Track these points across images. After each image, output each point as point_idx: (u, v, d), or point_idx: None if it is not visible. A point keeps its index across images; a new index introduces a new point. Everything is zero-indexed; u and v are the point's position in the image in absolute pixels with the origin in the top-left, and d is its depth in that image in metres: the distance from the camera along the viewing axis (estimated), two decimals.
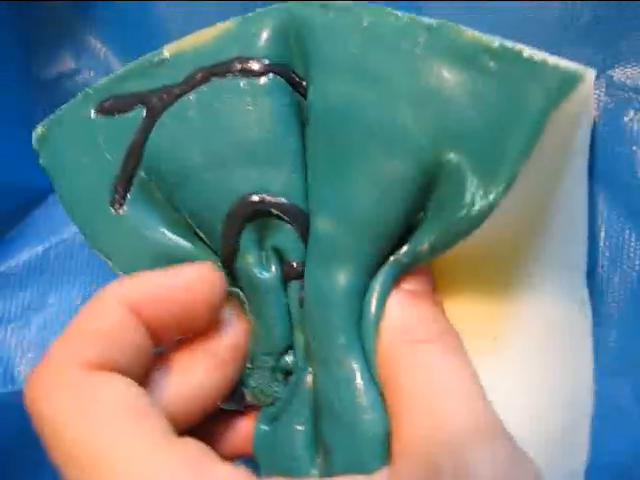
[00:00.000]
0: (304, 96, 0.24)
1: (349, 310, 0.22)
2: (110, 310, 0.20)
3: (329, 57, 0.23)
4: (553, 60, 0.19)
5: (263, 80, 0.24)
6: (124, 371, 0.20)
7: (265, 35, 0.24)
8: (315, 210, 0.23)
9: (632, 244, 0.28)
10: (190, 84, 0.25)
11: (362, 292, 0.22)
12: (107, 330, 0.20)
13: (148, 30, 0.36)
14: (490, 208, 0.20)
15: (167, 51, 0.25)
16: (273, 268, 0.24)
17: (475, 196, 0.20)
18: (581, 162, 0.23)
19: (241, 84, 0.24)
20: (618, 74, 0.28)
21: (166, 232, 0.26)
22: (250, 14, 0.25)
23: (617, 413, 0.27)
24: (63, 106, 0.27)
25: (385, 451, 0.21)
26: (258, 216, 0.24)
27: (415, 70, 0.22)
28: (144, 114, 0.25)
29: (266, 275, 0.24)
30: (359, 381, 0.22)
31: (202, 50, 0.25)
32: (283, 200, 0.24)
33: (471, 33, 0.21)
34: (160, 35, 0.36)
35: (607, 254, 0.29)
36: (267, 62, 0.24)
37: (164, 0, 0.36)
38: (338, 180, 0.22)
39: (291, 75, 0.24)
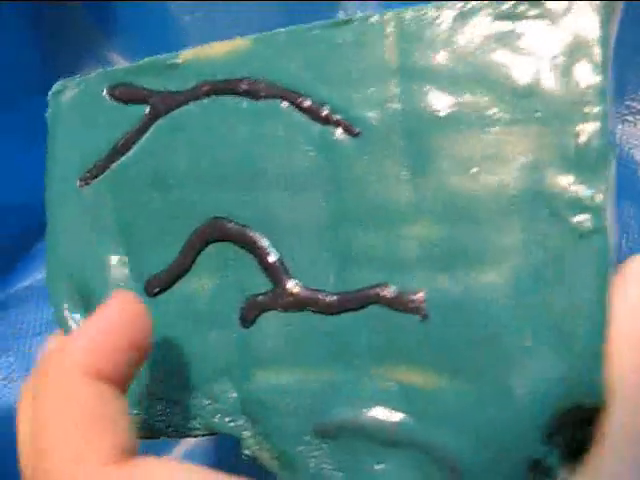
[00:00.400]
0: (317, 120, 0.23)
1: None
2: (81, 388, 0.20)
3: (364, 68, 0.23)
4: None
5: (265, 104, 0.24)
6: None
7: (277, 58, 0.24)
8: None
9: None
10: (194, 94, 0.25)
11: None
12: (88, 411, 0.19)
13: (168, 44, 0.37)
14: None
15: (181, 57, 0.25)
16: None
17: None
18: None
19: (243, 105, 0.24)
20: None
21: (100, 233, 0.26)
22: (265, 34, 0.24)
23: None
24: (83, 76, 0.28)
25: None
26: (222, 240, 0.24)
27: (461, 49, 0.21)
28: (146, 112, 0.26)
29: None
30: None
31: (213, 63, 0.25)
32: (249, 232, 0.24)
33: None
34: (180, 47, 0.37)
35: None
36: (274, 86, 0.24)
37: (185, 12, 0.36)
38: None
39: (299, 100, 0.23)
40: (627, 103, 0.31)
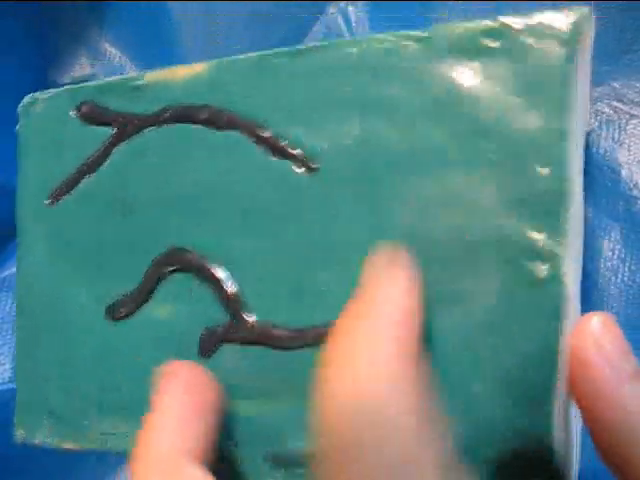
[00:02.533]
0: (275, 153, 0.23)
1: None
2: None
3: (324, 100, 0.22)
4: (550, 15, 0.20)
5: (226, 135, 0.24)
6: None
7: (238, 86, 0.24)
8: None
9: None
10: (157, 120, 0.25)
11: None
12: None
13: (163, 36, 0.36)
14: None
15: (146, 78, 0.25)
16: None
17: None
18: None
19: (203, 134, 0.24)
20: (622, 86, 0.29)
21: (65, 254, 0.26)
22: (229, 59, 0.24)
23: None
24: (51, 90, 0.28)
25: None
26: (182, 270, 0.24)
27: (421, 83, 0.21)
28: (111, 133, 0.26)
29: None
30: None
31: (176, 87, 0.25)
32: (207, 264, 0.24)
33: (462, 25, 0.21)
34: (174, 41, 0.37)
35: (608, 264, 0.29)
36: (234, 117, 0.24)
37: (180, 1, 0.35)
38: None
39: (258, 133, 0.23)
40: (614, 103, 0.30)
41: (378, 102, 0.22)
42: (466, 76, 0.21)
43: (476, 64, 0.21)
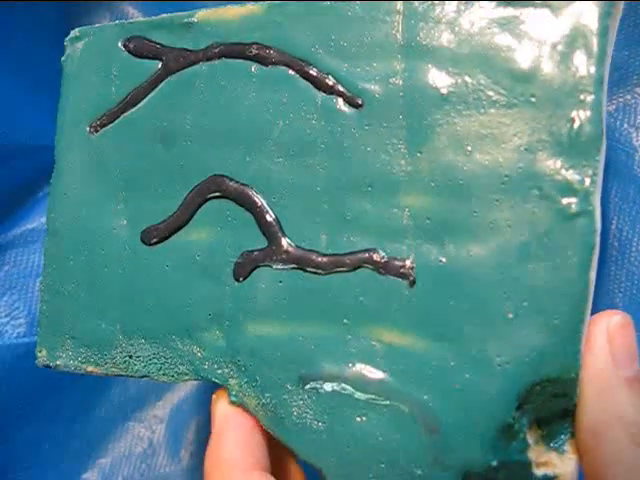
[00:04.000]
0: (322, 89, 0.24)
1: None
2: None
3: (372, 42, 0.23)
4: None
5: (273, 70, 0.25)
6: None
7: (288, 26, 0.25)
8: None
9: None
10: (206, 55, 0.26)
11: None
12: None
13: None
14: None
15: (197, 17, 0.26)
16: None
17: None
18: None
19: (252, 69, 0.25)
20: None
21: (103, 181, 0.27)
22: (278, 1, 0.25)
23: None
24: (101, 25, 0.28)
25: None
26: (222, 197, 0.25)
27: (466, 30, 0.22)
28: (158, 67, 0.26)
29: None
30: None
31: (226, 25, 0.26)
32: (248, 191, 0.24)
33: None
34: (195, 5, 0.38)
35: (615, 244, 0.30)
36: (282, 53, 0.25)
37: None
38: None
39: (306, 70, 0.24)
40: (632, 88, 0.31)
41: (424, 46, 0.23)
42: (508, 24, 0.22)
43: (518, 14, 0.22)
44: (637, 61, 0.31)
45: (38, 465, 0.34)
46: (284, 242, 0.24)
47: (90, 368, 0.26)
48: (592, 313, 0.27)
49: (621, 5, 0.22)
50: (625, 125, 0.31)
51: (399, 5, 0.23)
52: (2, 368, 0.33)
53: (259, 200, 0.24)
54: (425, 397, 0.22)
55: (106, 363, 0.26)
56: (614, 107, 0.31)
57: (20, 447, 0.34)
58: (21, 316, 0.35)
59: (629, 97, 0.31)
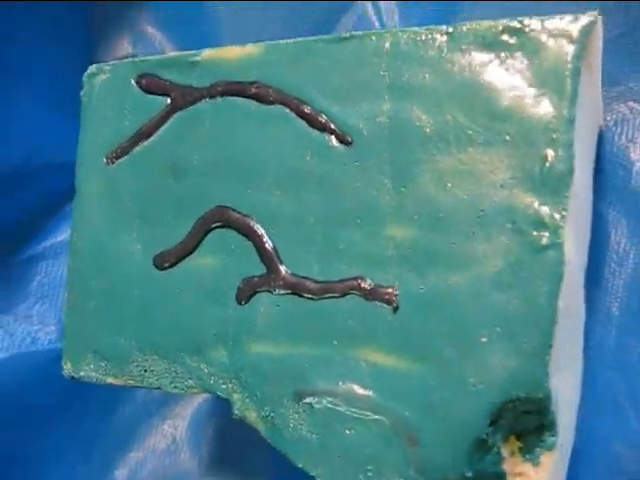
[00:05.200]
0: (315, 127, 0.26)
1: None
2: None
3: (361, 83, 0.25)
4: (563, 19, 0.23)
5: (271, 108, 0.27)
6: None
7: (284, 67, 0.26)
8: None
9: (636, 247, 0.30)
10: (210, 92, 0.28)
11: None
12: None
13: (199, 19, 0.39)
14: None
15: (202, 56, 0.28)
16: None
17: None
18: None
19: (251, 107, 0.27)
20: (639, 87, 0.31)
21: (119, 208, 0.29)
22: (276, 42, 0.27)
23: (612, 406, 0.29)
24: (115, 62, 0.31)
25: None
26: (225, 226, 0.27)
27: (447, 71, 0.24)
28: (168, 103, 0.29)
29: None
30: None
31: (228, 65, 0.28)
32: (250, 221, 0.26)
33: (486, 23, 0.24)
34: (210, 24, 0.39)
35: (613, 256, 0.31)
36: (280, 92, 0.26)
37: None
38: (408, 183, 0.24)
39: (301, 108, 0.26)
40: (630, 103, 0.32)
41: (408, 86, 0.25)
42: (487, 66, 0.24)
43: (495, 56, 0.24)
44: (636, 76, 0.32)
45: (68, 461, 0.37)
46: (281, 269, 0.26)
47: (110, 380, 0.29)
48: (590, 321, 0.29)
49: (597, 41, 0.24)
50: (623, 139, 0.32)
51: (387, 45, 0.25)
52: (37, 371, 0.36)
53: (259, 230, 0.26)
54: (406, 413, 0.24)
55: (124, 375, 0.29)
56: (613, 122, 0.32)
57: (51, 444, 0.37)
58: (52, 323, 0.38)
59: (627, 112, 0.32)
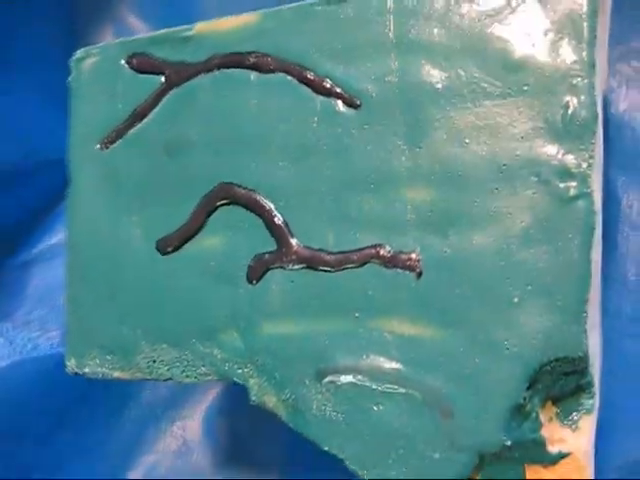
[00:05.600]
0: (320, 93, 0.25)
1: None
2: None
3: (365, 43, 0.24)
4: None
5: (272, 77, 0.25)
6: None
7: (283, 33, 0.25)
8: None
9: None
10: (206, 67, 0.26)
11: None
12: None
13: (185, 7, 0.38)
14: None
15: (195, 30, 0.27)
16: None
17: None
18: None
19: (251, 77, 0.26)
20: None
21: (116, 194, 0.28)
22: (271, 10, 0.26)
23: (632, 372, 0.29)
24: (103, 43, 0.30)
25: None
26: (231, 203, 0.26)
27: (456, 23, 0.23)
28: (161, 81, 0.27)
29: None
30: None
31: (224, 36, 0.26)
32: (256, 196, 0.25)
33: None
34: (196, 12, 0.38)
35: (626, 221, 0.31)
36: (280, 60, 0.25)
37: None
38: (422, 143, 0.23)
39: (304, 74, 0.25)
40: (633, 63, 0.31)
41: (416, 42, 0.23)
42: (498, 16, 0.23)
43: (506, 4, 0.23)
44: (636, 37, 0.31)
45: (74, 469, 0.35)
46: (293, 243, 0.25)
47: (117, 374, 0.28)
48: (604, 286, 0.28)
49: None
50: (629, 101, 0.31)
51: (389, 3, 0.24)
52: (40, 379, 0.35)
53: (267, 204, 0.25)
54: (438, 383, 0.23)
55: (131, 368, 0.27)
56: (617, 83, 0.31)
57: (63, 449, 0.36)
58: (52, 328, 0.36)
59: (631, 71, 0.31)
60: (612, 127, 0.30)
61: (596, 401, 0.23)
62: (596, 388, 0.23)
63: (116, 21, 0.40)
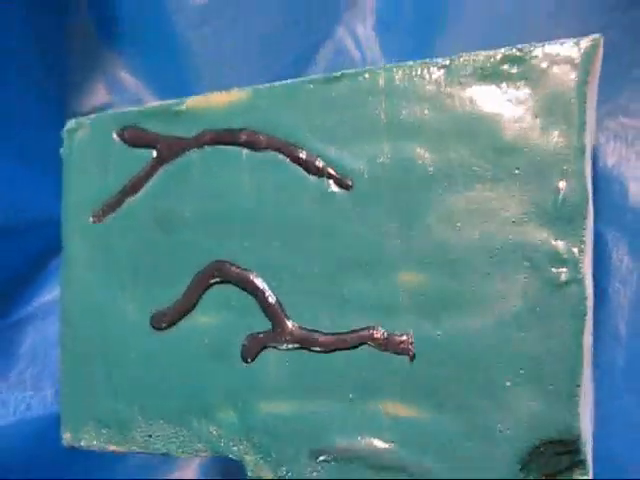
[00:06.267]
0: (312, 172, 0.25)
1: None
2: None
3: (357, 123, 0.24)
4: (564, 44, 0.22)
5: (264, 155, 0.25)
6: None
7: (274, 111, 0.25)
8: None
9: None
10: (197, 142, 0.27)
11: None
12: None
13: (176, 63, 0.38)
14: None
15: (186, 105, 0.27)
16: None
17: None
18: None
19: (243, 155, 0.26)
20: (628, 102, 0.31)
21: (110, 268, 0.28)
22: (262, 86, 0.26)
23: (626, 428, 0.29)
24: (95, 115, 0.29)
25: None
26: (225, 282, 0.26)
27: (447, 106, 0.23)
28: (153, 156, 0.27)
29: None
30: None
31: (215, 112, 0.26)
32: (250, 275, 0.25)
33: (483, 53, 0.23)
34: (188, 68, 0.38)
35: (617, 275, 0.30)
36: (272, 138, 0.25)
37: (191, 27, 0.37)
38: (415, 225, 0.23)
39: (296, 153, 0.25)
40: (620, 119, 0.32)
41: (407, 124, 0.24)
42: (488, 99, 0.23)
43: (497, 88, 0.23)
44: (624, 91, 0.31)
45: None
46: (288, 324, 0.25)
47: (112, 447, 0.28)
48: (596, 341, 0.28)
49: (598, 63, 0.23)
50: (617, 156, 0.31)
51: (381, 82, 0.24)
52: (33, 438, 0.34)
53: (260, 284, 0.25)
54: (431, 465, 0.23)
55: (127, 442, 0.27)
56: (604, 138, 0.31)
57: None
58: (46, 387, 0.36)
59: (618, 127, 0.31)
60: (601, 181, 0.31)
61: (590, 477, 0.23)
62: (589, 465, 0.23)
63: (108, 77, 0.40)
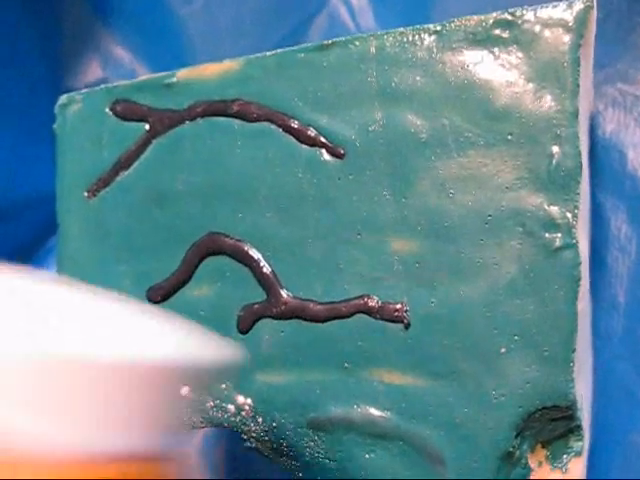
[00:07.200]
0: (305, 142, 0.25)
1: None
2: None
3: (348, 91, 0.24)
4: (556, 7, 0.22)
5: (256, 126, 0.25)
6: None
7: (266, 81, 0.25)
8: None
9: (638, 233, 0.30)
10: (190, 114, 0.26)
11: None
12: None
13: (169, 36, 0.37)
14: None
15: (177, 77, 0.27)
16: None
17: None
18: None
19: (235, 126, 0.26)
20: (626, 68, 0.30)
21: (105, 242, 0.28)
22: (255, 56, 0.26)
23: (625, 396, 0.29)
24: (87, 90, 0.29)
25: None
26: (220, 253, 0.26)
27: (439, 72, 0.23)
28: (146, 129, 0.27)
29: None
30: None
31: (206, 83, 0.26)
32: (244, 246, 0.25)
33: (475, 17, 0.23)
34: (181, 41, 0.38)
35: (615, 243, 0.30)
36: (263, 108, 0.25)
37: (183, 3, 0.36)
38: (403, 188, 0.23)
39: (288, 123, 0.25)
40: (619, 85, 0.31)
41: (399, 91, 0.23)
42: (480, 64, 0.23)
43: (489, 53, 0.23)
44: (623, 57, 0.31)
45: None
46: (282, 294, 0.25)
47: None
48: (596, 310, 0.28)
49: (592, 26, 0.23)
50: (615, 123, 0.31)
51: (372, 50, 0.24)
52: None
53: (255, 255, 0.25)
54: (428, 432, 0.23)
55: None
56: (603, 105, 0.31)
57: None
58: None
59: (616, 94, 0.31)
60: (599, 149, 0.30)
61: (585, 443, 0.23)
62: (585, 430, 0.23)
63: (101, 52, 0.40)
